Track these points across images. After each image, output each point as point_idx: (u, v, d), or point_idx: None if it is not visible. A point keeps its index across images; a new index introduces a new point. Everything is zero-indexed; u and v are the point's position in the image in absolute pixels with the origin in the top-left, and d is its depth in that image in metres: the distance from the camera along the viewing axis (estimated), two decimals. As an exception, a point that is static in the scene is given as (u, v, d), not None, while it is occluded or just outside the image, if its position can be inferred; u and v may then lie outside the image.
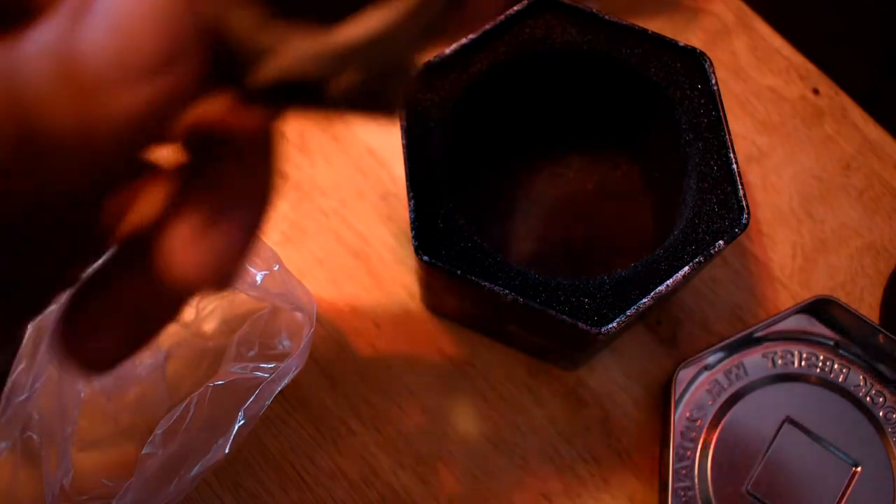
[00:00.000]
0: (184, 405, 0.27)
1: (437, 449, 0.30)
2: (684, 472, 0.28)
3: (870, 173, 0.36)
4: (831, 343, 0.30)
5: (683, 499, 0.28)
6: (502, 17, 0.28)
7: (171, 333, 0.30)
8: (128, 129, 0.10)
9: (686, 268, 0.24)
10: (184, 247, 0.12)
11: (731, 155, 0.26)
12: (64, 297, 0.14)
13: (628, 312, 0.23)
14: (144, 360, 0.29)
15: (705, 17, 0.40)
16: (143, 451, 0.26)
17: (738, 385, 0.29)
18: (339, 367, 0.31)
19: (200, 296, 0.13)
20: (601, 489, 0.30)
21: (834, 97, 0.38)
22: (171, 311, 0.14)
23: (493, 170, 0.32)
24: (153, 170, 0.14)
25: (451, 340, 0.32)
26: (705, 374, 0.30)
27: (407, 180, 0.25)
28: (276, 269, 0.27)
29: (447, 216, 0.25)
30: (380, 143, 0.35)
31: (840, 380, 0.29)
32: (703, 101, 0.27)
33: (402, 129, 0.26)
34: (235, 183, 0.13)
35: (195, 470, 0.25)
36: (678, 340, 0.32)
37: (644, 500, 0.30)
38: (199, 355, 0.30)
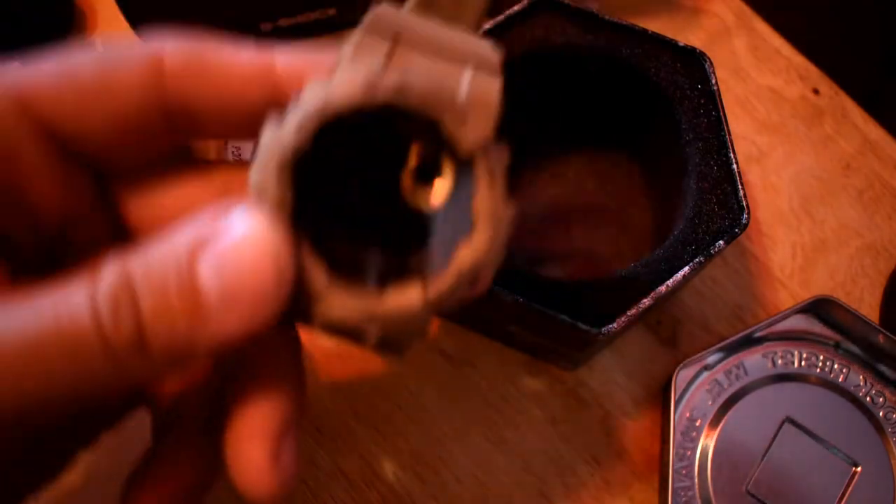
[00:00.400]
0: None
1: (437, 449, 0.30)
2: (684, 471, 0.28)
3: (870, 173, 0.36)
4: (831, 343, 0.30)
5: (683, 499, 0.28)
6: (502, 17, 0.28)
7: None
8: (219, 347, 0.13)
9: (686, 268, 0.24)
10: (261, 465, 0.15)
11: (732, 155, 0.26)
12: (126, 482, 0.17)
13: (629, 312, 0.23)
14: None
15: (705, 17, 0.40)
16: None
17: (738, 385, 0.29)
18: (338, 368, 0.31)
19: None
20: (601, 489, 0.30)
21: (834, 97, 0.38)
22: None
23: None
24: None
25: (451, 340, 0.32)
26: (705, 374, 0.30)
27: None
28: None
29: None
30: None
31: (840, 380, 0.29)
32: (703, 101, 0.27)
33: None
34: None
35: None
36: (678, 340, 0.32)
37: (644, 500, 0.30)
38: None
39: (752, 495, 0.28)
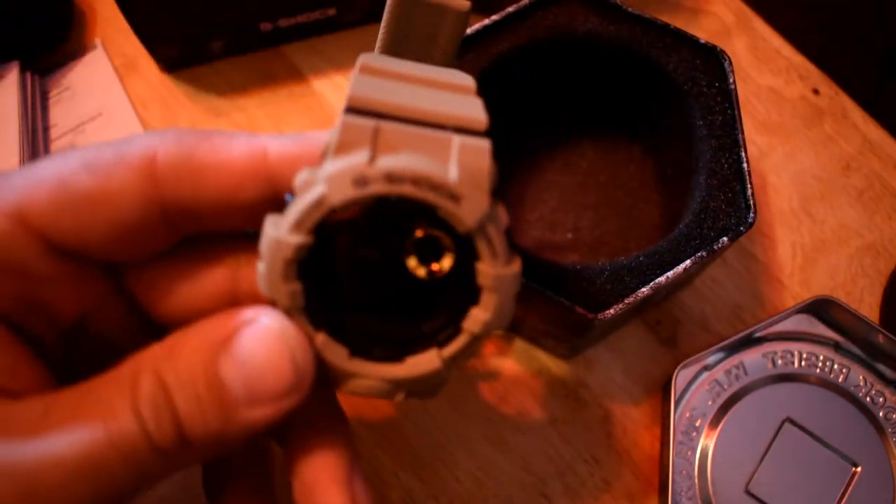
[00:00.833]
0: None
1: (438, 449, 0.30)
2: (684, 471, 0.28)
3: (870, 173, 0.36)
4: (831, 343, 0.30)
5: (683, 499, 0.28)
6: (526, 1, 0.28)
7: None
8: (252, 432, 0.15)
9: (687, 261, 0.24)
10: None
11: (743, 154, 0.26)
12: None
13: (626, 300, 0.23)
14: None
15: (705, 17, 0.40)
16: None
17: (737, 385, 0.29)
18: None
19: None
20: (601, 489, 0.30)
21: (834, 97, 0.38)
22: None
23: (506, 154, 0.32)
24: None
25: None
26: (705, 374, 0.30)
27: None
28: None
29: None
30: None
31: (840, 380, 0.29)
32: (719, 99, 0.27)
33: None
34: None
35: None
36: (678, 340, 0.32)
37: (644, 501, 0.30)
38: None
39: (752, 495, 0.28)
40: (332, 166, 0.15)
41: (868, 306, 0.33)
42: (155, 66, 0.38)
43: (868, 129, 0.37)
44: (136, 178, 0.16)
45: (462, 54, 0.27)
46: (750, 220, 0.25)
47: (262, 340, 0.14)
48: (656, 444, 0.30)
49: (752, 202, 0.25)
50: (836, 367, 0.30)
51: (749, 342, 0.30)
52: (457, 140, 0.15)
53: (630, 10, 0.28)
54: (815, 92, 0.38)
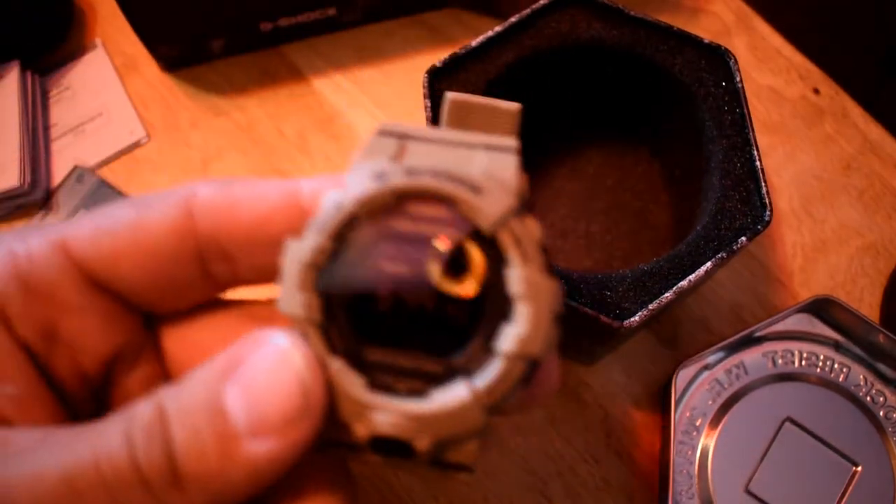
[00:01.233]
0: None
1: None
2: (685, 471, 0.28)
3: (870, 173, 0.36)
4: (831, 343, 0.30)
5: (684, 498, 0.28)
6: (528, 10, 0.28)
7: None
8: (254, 474, 0.13)
9: (708, 263, 0.24)
10: None
11: (755, 152, 0.26)
12: None
13: (650, 306, 0.23)
14: None
15: (706, 17, 0.40)
16: None
17: (738, 385, 0.29)
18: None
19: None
20: (601, 489, 0.30)
21: (834, 97, 0.38)
22: None
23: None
24: None
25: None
26: (705, 374, 0.30)
27: None
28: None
29: None
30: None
31: (840, 379, 0.29)
32: (727, 99, 0.27)
33: (426, 120, 0.26)
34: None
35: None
36: (678, 340, 0.32)
37: (644, 500, 0.30)
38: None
39: (753, 495, 0.28)
40: (354, 172, 0.14)
41: (868, 306, 0.33)
42: (155, 65, 0.38)
43: (868, 129, 0.37)
44: (173, 210, 0.16)
45: (467, 67, 0.27)
46: (766, 219, 0.25)
47: (269, 361, 0.13)
48: (657, 443, 0.30)
49: (767, 200, 0.25)
50: (836, 366, 0.30)
51: (749, 342, 0.30)
52: (483, 153, 0.15)
53: (632, 13, 0.28)
54: (816, 92, 0.38)
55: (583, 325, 0.25)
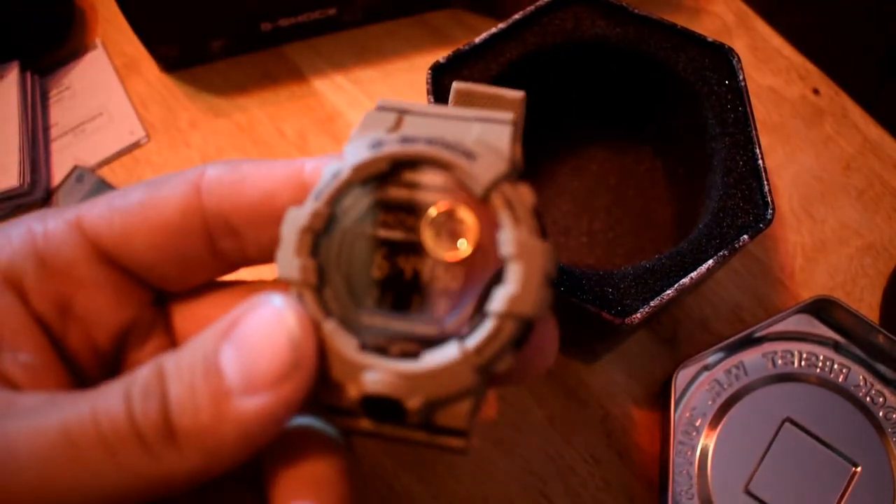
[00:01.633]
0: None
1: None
2: (684, 471, 0.28)
3: (870, 173, 0.36)
4: (831, 343, 0.30)
5: (683, 498, 0.28)
6: (532, 7, 0.28)
7: None
8: (246, 432, 0.13)
9: (710, 261, 0.24)
10: None
11: (758, 151, 0.26)
12: None
13: (652, 303, 0.23)
14: None
15: (706, 17, 0.40)
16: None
17: (737, 385, 0.29)
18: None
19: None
20: (601, 489, 0.30)
21: (834, 97, 0.38)
22: None
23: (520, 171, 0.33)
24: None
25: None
26: (705, 374, 0.30)
27: None
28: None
29: None
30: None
31: (840, 380, 0.29)
32: (730, 97, 0.27)
33: None
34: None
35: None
36: (678, 340, 0.32)
37: (644, 500, 0.30)
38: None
39: (752, 495, 0.28)
40: (352, 143, 0.15)
41: (868, 306, 0.33)
42: (155, 65, 0.38)
43: (868, 129, 0.37)
44: (183, 187, 0.17)
45: (470, 64, 0.27)
46: (768, 217, 0.25)
47: (263, 321, 0.14)
48: (656, 443, 0.30)
49: (769, 199, 0.25)
50: (836, 367, 0.30)
51: (749, 342, 0.30)
52: (478, 124, 0.15)
53: (636, 11, 0.28)
54: (816, 92, 0.38)
55: (585, 322, 0.25)
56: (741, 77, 0.27)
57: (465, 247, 0.15)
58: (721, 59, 0.27)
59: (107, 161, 0.36)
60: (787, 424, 0.29)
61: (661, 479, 0.29)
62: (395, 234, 0.15)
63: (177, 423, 0.13)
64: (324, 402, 0.15)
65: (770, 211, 0.25)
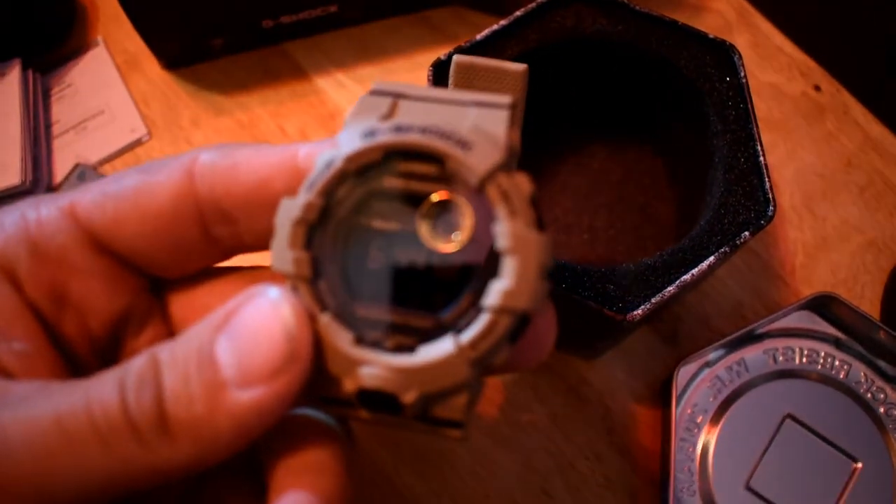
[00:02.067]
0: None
1: (439, 446, 0.30)
2: (685, 468, 0.28)
3: (871, 170, 0.36)
4: (832, 340, 0.30)
5: (684, 495, 0.28)
6: (534, 4, 0.28)
7: None
8: (241, 423, 0.13)
9: (711, 257, 0.24)
10: None
11: (759, 147, 0.26)
12: None
13: (653, 300, 0.23)
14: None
15: (707, 14, 0.40)
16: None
17: (739, 382, 0.29)
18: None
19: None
20: (602, 486, 0.30)
21: (835, 94, 0.38)
22: None
23: (518, 158, 0.32)
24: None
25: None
26: (706, 371, 0.30)
27: None
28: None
29: None
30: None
31: (841, 376, 0.29)
32: (731, 94, 0.27)
33: None
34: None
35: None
36: (679, 337, 0.32)
37: (645, 497, 0.30)
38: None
39: (754, 491, 0.28)
40: (346, 130, 0.14)
41: (869, 302, 0.33)
42: (157, 63, 0.38)
43: (869, 126, 0.37)
44: (175, 173, 0.16)
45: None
46: (770, 214, 0.25)
47: (259, 313, 0.14)
48: (657, 440, 0.30)
49: (770, 195, 0.25)
50: (837, 363, 0.30)
51: (750, 339, 0.30)
52: (474, 110, 0.15)
53: (637, 8, 0.28)
54: (817, 89, 0.38)
55: (586, 319, 0.25)
56: (742, 74, 0.27)
57: (460, 238, 0.14)
58: (722, 55, 0.27)
59: (108, 159, 0.36)
60: (788, 421, 0.29)
61: (662, 476, 0.29)
62: (390, 226, 0.15)
63: (171, 413, 0.13)
64: (321, 394, 0.15)
65: (771, 207, 0.25)
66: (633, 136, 0.33)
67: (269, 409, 0.13)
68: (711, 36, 0.28)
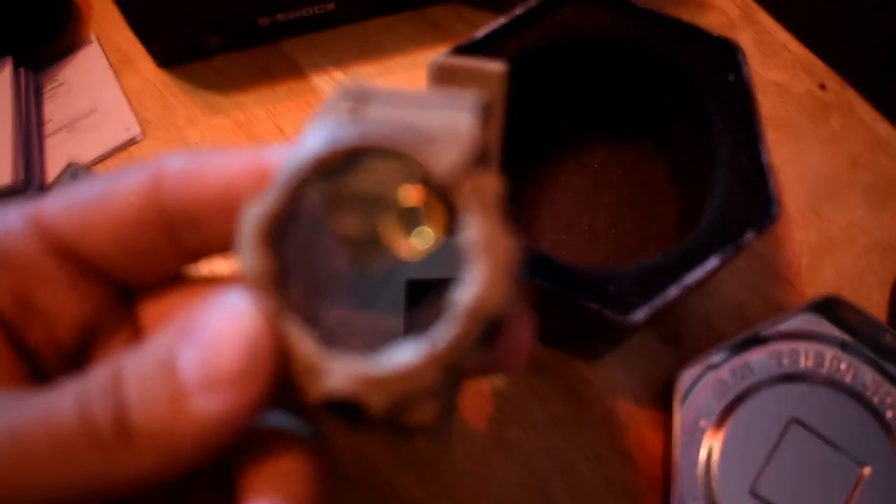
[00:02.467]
0: None
1: (439, 447, 0.30)
2: (689, 473, 0.28)
3: (877, 170, 0.36)
4: (839, 342, 0.30)
5: (688, 499, 0.27)
6: (534, 2, 0.28)
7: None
8: (204, 432, 0.13)
9: (715, 259, 0.24)
10: None
11: (762, 147, 0.25)
12: None
13: (655, 302, 0.23)
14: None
15: (711, 11, 0.39)
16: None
17: (743, 385, 0.29)
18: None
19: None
20: (603, 488, 0.29)
21: (840, 92, 0.37)
22: None
23: (518, 157, 0.32)
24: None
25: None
26: (710, 374, 0.29)
27: None
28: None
29: None
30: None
31: (847, 380, 0.29)
32: (734, 93, 0.26)
33: None
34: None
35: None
36: (681, 339, 0.32)
37: (648, 500, 0.29)
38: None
39: (759, 497, 0.27)
40: (308, 133, 0.14)
41: (876, 304, 0.33)
42: (151, 61, 0.38)
43: (875, 125, 0.37)
44: (141, 178, 0.16)
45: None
46: (774, 214, 0.24)
47: (221, 320, 0.13)
48: (659, 443, 0.30)
49: (774, 195, 0.24)
50: (843, 366, 0.29)
51: (755, 341, 0.30)
52: (439, 111, 0.14)
53: (639, 5, 0.28)
54: (822, 87, 0.37)
55: (586, 320, 0.25)
56: (746, 72, 0.27)
57: (428, 240, 0.14)
58: (726, 54, 0.27)
59: (101, 158, 0.36)
60: (793, 425, 0.28)
61: (665, 480, 0.29)
62: (357, 228, 0.14)
63: (133, 423, 0.13)
64: (288, 402, 0.15)
65: (775, 208, 0.24)
66: (636, 135, 0.33)
67: (232, 417, 0.13)
68: (715, 34, 0.27)
